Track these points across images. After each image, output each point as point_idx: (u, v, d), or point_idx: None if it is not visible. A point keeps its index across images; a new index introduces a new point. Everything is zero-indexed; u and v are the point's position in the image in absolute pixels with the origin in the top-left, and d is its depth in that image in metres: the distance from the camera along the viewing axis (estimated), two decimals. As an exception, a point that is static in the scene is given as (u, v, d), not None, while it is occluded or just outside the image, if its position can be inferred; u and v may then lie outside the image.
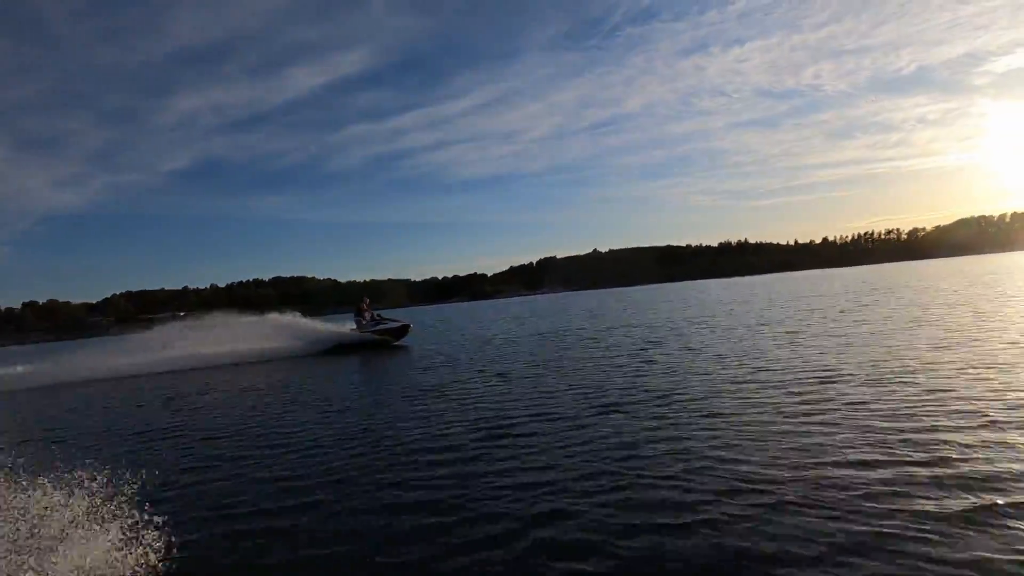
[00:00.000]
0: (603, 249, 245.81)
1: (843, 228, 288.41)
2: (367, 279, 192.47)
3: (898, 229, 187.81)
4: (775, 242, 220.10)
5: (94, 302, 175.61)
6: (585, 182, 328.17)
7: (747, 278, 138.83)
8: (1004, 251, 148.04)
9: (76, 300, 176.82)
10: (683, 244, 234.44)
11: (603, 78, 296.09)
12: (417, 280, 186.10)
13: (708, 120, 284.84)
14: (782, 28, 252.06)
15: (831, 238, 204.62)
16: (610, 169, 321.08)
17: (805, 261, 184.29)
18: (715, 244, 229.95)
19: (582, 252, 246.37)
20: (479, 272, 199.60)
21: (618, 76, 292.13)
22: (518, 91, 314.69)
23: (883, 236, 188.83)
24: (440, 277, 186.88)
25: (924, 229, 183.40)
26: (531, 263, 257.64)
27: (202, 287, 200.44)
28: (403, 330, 23.45)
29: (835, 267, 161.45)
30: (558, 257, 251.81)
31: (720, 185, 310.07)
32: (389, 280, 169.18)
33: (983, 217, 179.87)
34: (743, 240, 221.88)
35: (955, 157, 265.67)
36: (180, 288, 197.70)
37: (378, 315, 23.76)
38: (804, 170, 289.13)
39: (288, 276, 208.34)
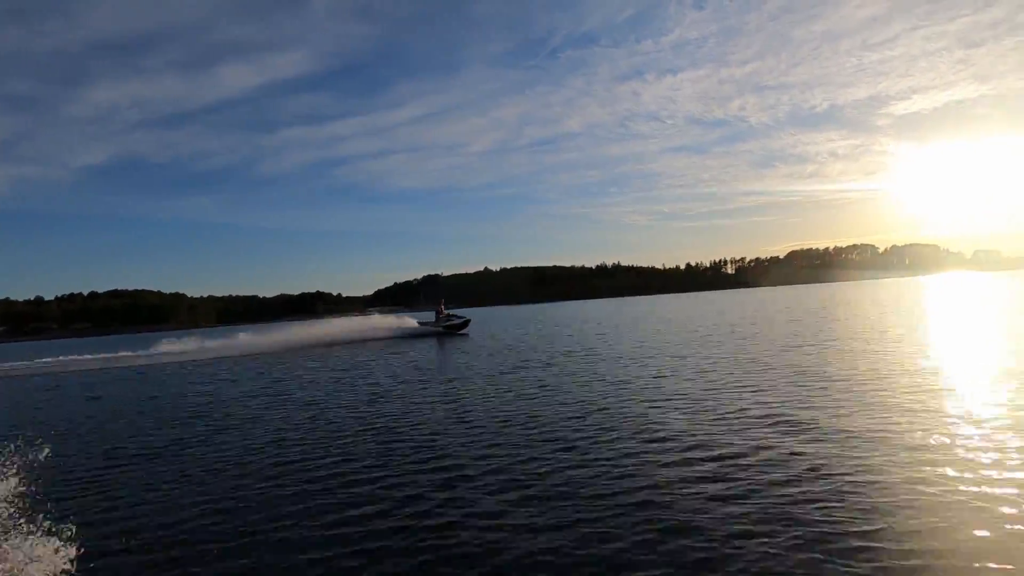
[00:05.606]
0: (495, 268, 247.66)
1: (762, 251, 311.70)
2: (221, 294, 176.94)
3: (744, 258, 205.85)
4: (647, 265, 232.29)
5: None
6: (526, 198, 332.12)
7: (603, 300, 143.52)
8: (831, 281, 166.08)
9: None
10: (567, 265, 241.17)
11: (544, 97, 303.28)
12: (270, 297, 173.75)
13: (643, 143, 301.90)
14: (711, 61, 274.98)
15: (693, 264, 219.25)
16: (549, 186, 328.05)
17: (668, 285, 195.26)
18: (592, 266, 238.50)
19: (471, 270, 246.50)
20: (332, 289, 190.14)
21: (559, 96, 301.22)
22: (460, 104, 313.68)
23: (734, 263, 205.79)
24: (295, 294, 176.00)
25: (765, 260, 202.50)
26: (415, 280, 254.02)
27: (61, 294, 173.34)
28: (465, 324, 34.14)
29: (690, 291, 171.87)
30: (443, 274, 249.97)
31: (654, 206, 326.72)
32: (208, 297, 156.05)
33: (811, 250, 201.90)
34: (616, 263, 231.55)
35: (862, 189, 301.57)
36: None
37: (449, 313, 34.80)
38: (730, 196, 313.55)
39: (134, 289, 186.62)
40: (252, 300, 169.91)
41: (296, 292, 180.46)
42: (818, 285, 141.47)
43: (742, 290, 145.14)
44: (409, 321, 35.95)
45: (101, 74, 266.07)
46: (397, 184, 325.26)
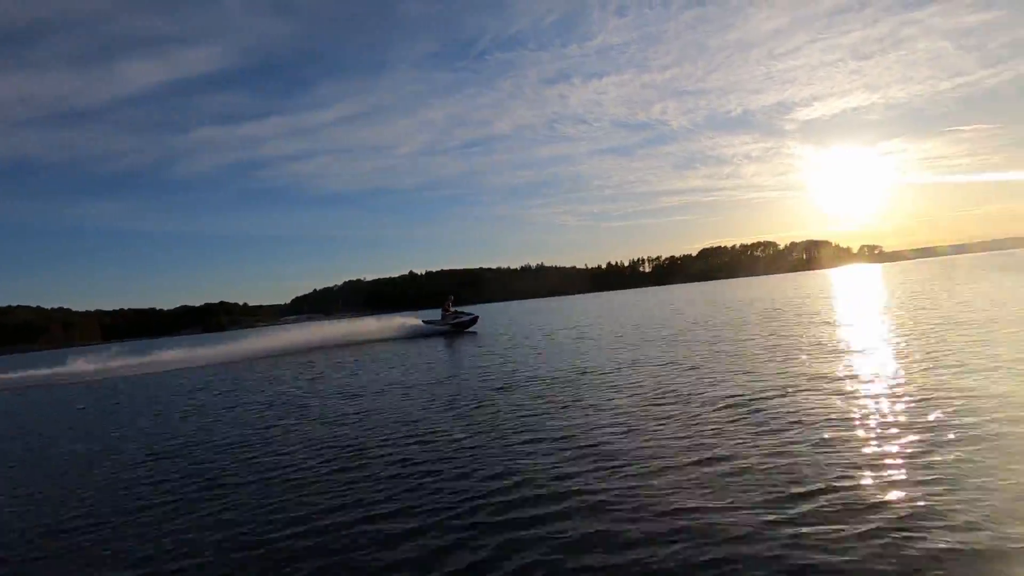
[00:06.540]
0: (420, 272, 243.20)
1: (687, 249, 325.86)
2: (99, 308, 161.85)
3: (659, 256, 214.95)
4: (570, 266, 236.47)
5: None
6: (457, 200, 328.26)
7: (518, 302, 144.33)
8: (738, 276, 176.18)
9: None
10: (493, 267, 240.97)
11: (473, 99, 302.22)
12: (169, 309, 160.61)
13: (572, 146, 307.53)
14: (633, 67, 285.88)
15: (614, 263, 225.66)
16: (480, 188, 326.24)
17: (588, 284, 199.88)
18: (517, 267, 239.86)
19: (396, 275, 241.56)
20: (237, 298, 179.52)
21: (488, 98, 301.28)
22: (387, 105, 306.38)
23: (650, 262, 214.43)
24: (198, 305, 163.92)
25: (679, 258, 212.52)
26: (335, 286, 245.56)
27: None
28: (473, 321, 32.23)
29: (609, 290, 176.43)
30: (366, 279, 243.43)
31: (583, 207, 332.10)
32: (85, 311, 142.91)
33: (720, 247, 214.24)
34: (540, 264, 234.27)
35: (773, 189, 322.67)
36: None
37: (456, 311, 32.72)
38: (655, 196, 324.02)
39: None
40: (149, 313, 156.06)
41: (201, 303, 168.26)
42: (724, 281, 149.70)
43: (652, 288, 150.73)
44: (413, 320, 33.98)
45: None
46: (323, 187, 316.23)
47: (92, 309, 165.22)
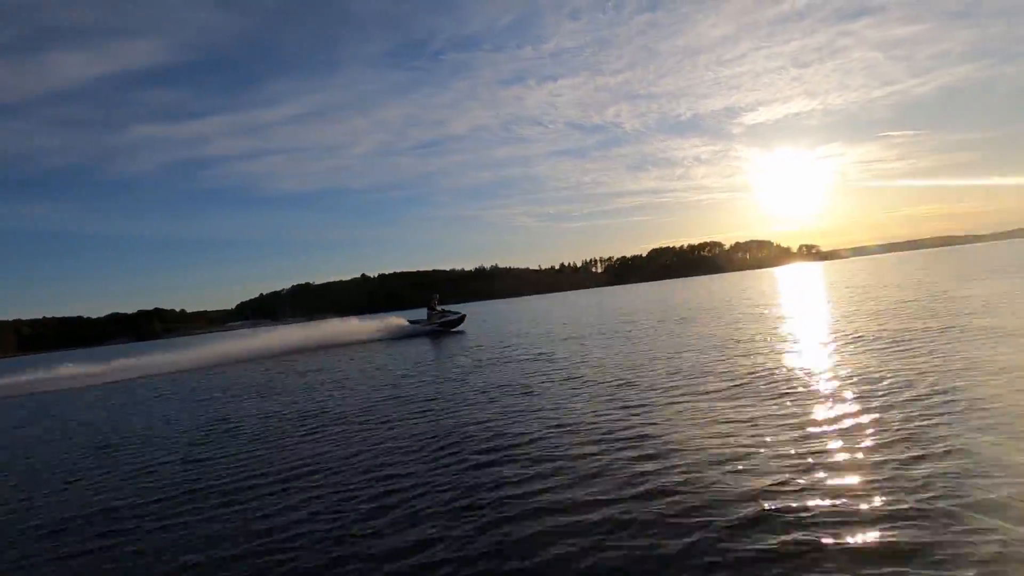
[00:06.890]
0: (373, 274, 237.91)
1: (642, 249, 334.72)
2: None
3: (611, 257, 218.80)
4: (525, 267, 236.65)
5: None
6: (414, 201, 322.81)
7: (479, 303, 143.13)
8: (687, 276, 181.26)
9: None
10: (447, 268, 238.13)
11: (429, 99, 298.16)
12: (98, 317, 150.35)
13: (528, 147, 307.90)
14: (587, 70, 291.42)
15: (567, 264, 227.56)
16: (437, 189, 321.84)
17: (541, 286, 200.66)
18: (471, 269, 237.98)
19: (347, 277, 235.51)
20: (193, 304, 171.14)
21: (443, 98, 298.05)
22: (340, 104, 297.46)
23: (602, 263, 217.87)
24: (132, 312, 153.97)
25: (629, 259, 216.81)
26: (283, 289, 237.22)
27: None
28: (460, 320, 31.84)
29: (561, 291, 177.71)
30: (315, 283, 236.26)
31: (541, 208, 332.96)
32: (13, 320, 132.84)
33: (669, 248, 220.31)
34: (495, 265, 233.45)
35: (722, 190, 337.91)
36: None
37: (443, 309, 32.56)
38: (609, 197, 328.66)
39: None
40: (75, 321, 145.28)
41: (134, 310, 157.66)
42: (673, 281, 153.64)
43: (604, 288, 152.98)
44: (398, 321, 33.12)
45: None
46: (273, 187, 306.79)
47: (11, 319, 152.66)
